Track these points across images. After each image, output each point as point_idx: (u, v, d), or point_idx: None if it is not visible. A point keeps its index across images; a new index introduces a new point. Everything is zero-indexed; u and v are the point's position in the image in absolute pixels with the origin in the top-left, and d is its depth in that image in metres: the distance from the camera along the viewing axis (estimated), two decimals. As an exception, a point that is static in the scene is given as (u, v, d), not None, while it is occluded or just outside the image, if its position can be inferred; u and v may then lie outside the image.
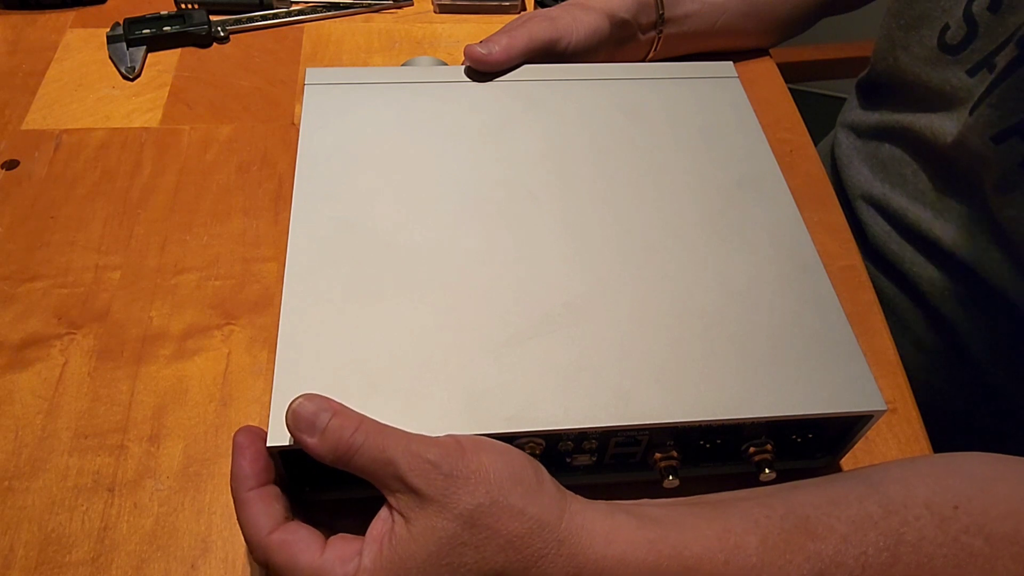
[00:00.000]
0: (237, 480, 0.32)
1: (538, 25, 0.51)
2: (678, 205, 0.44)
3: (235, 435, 0.33)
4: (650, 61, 0.61)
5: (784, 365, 0.37)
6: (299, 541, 0.31)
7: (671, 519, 0.32)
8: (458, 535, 0.29)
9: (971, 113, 0.51)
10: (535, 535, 0.30)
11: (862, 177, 0.63)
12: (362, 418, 0.32)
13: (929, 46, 0.55)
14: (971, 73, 0.52)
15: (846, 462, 0.42)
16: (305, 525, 0.32)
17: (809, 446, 0.39)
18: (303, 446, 0.32)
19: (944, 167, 0.56)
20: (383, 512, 0.31)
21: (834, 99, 1.71)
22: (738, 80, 0.52)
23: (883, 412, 0.36)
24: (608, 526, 0.31)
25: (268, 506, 0.32)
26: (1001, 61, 0.50)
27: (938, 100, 0.55)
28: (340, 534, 0.32)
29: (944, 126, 0.54)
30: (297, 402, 0.32)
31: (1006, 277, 0.51)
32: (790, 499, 0.33)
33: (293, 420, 0.32)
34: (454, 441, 0.31)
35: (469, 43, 0.50)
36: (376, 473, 0.31)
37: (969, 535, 0.30)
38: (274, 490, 0.33)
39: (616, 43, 0.57)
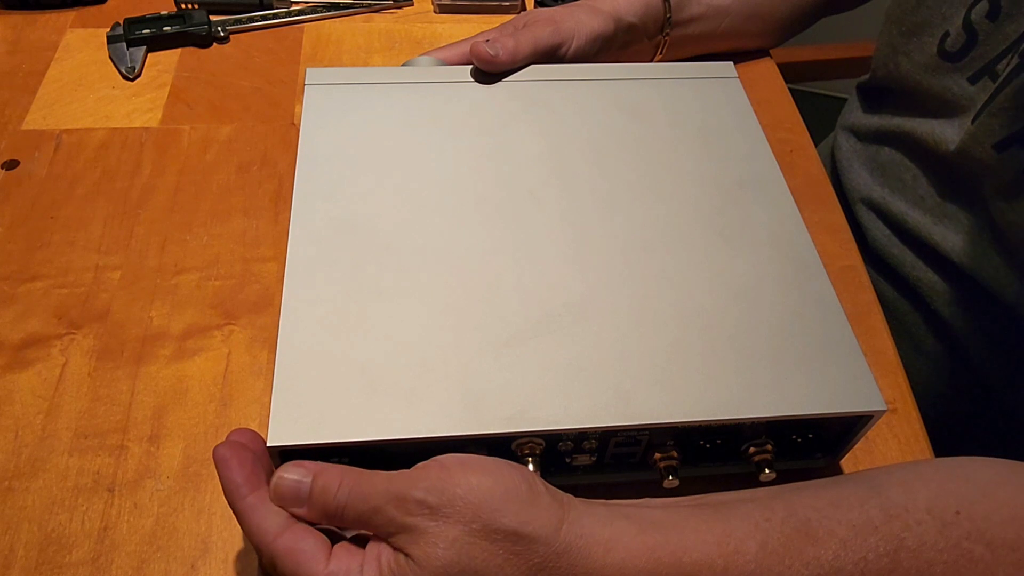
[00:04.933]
0: (230, 493, 0.32)
1: (542, 30, 0.52)
2: (678, 205, 0.44)
3: (214, 452, 0.33)
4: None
5: (784, 365, 0.37)
6: (304, 551, 0.31)
7: (671, 522, 0.32)
8: (455, 561, 0.29)
9: (973, 121, 0.51)
10: (532, 551, 0.30)
11: (862, 181, 0.62)
12: (342, 472, 0.32)
13: (929, 53, 0.55)
14: (972, 81, 0.52)
15: (846, 462, 0.42)
16: (312, 531, 0.32)
17: (809, 446, 0.39)
18: (295, 517, 0.32)
19: (945, 173, 0.55)
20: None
21: (834, 99, 1.71)
22: (738, 80, 0.52)
23: (883, 412, 0.36)
24: (608, 534, 0.31)
25: (268, 510, 0.32)
26: (1002, 69, 0.50)
27: (939, 107, 0.55)
28: (344, 544, 0.32)
29: (945, 133, 0.54)
30: (276, 478, 0.32)
31: (1006, 282, 0.51)
32: (792, 501, 0.33)
33: (277, 498, 0.32)
34: (438, 466, 0.31)
35: (476, 41, 0.50)
36: (369, 523, 0.31)
37: (970, 541, 0.30)
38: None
39: (621, 47, 0.57)
